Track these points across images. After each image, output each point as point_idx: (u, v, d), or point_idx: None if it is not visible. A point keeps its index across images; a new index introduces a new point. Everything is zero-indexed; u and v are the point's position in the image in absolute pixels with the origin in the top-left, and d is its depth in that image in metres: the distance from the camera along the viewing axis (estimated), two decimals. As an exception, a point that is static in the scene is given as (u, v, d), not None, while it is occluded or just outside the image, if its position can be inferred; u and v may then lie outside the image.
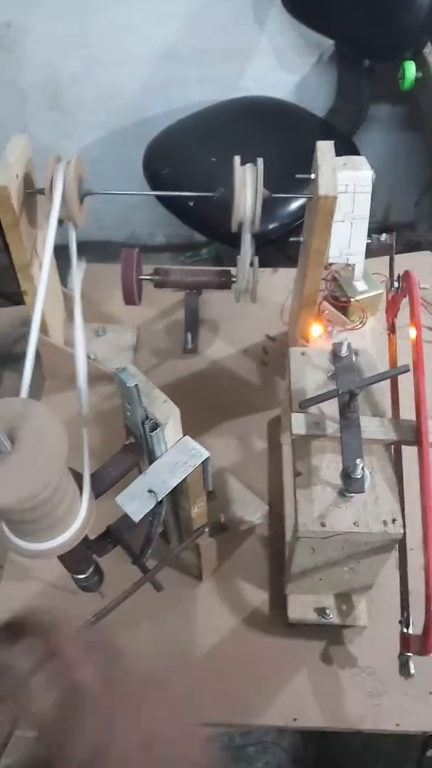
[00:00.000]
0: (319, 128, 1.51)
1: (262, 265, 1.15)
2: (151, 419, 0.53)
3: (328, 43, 1.56)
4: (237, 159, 0.73)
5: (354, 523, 0.62)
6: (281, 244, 1.45)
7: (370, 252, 0.87)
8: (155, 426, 0.54)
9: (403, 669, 0.62)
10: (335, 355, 0.70)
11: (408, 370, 0.63)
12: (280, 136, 1.41)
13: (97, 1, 1.50)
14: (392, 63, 1.34)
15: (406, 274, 0.75)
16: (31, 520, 0.46)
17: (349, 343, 0.70)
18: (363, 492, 0.61)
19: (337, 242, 0.76)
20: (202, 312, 1.07)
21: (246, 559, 0.83)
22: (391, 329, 0.84)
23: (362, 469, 0.60)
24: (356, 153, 1.45)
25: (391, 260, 0.85)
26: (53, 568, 0.78)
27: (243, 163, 0.73)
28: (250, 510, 0.84)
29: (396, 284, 0.76)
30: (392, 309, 0.84)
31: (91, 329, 1.01)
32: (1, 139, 1.65)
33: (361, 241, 0.75)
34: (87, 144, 1.81)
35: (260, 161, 0.73)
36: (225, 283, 0.99)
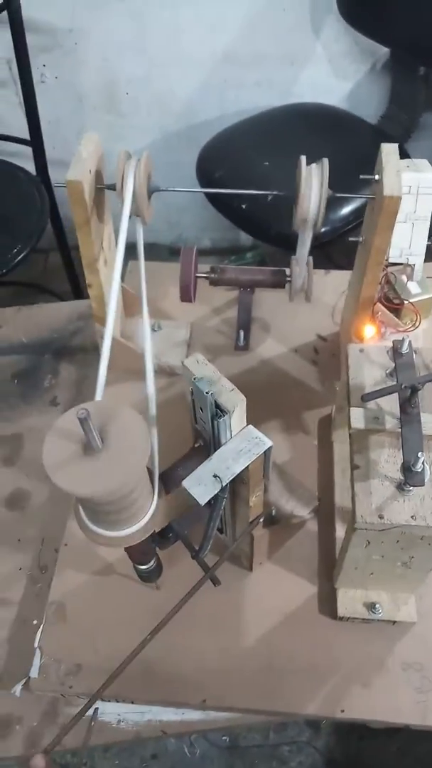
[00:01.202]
0: (371, 135, 1.52)
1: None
2: (221, 410, 0.55)
3: (382, 52, 1.58)
4: (303, 158, 0.75)
5: (411, 517, 0.63)
6: (328, 249, 1.46)
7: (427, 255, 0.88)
8: (223, 412, 0.55)
9: None
10: (396, 352, 0.71)
11: (470, 368, 0.64)
12: (333, 142, 1.43)
13: (155, 4, 1.53)
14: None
15: None
16: (112, 511, 0.49)
17: (410, 341, 0.71)
18: (423, 485, 0.62)
19: (398, 242, 0.77)
20: (254, 311, 1.09)
21: (295, 553, 0.84)
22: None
23: (423, 462, 0.61)
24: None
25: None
26: (109, 554, 0.82)
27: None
28: (301, 504, 0.86)
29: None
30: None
31: (148, 324, 1.04)
32: (59, 138, 1.71)
33: (422, 241, 0.77)
34: (140, 146, 1.85)
35: (326, 161, 0.75)
36: (279, 281, 1.01)
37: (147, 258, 1.07)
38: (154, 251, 2.14)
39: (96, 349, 1.07)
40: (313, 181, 0.73)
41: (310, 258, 1.04)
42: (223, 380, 0.59)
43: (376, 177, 0.74)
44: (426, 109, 1.61)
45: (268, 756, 1.31)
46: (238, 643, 0.78)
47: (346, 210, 1.31)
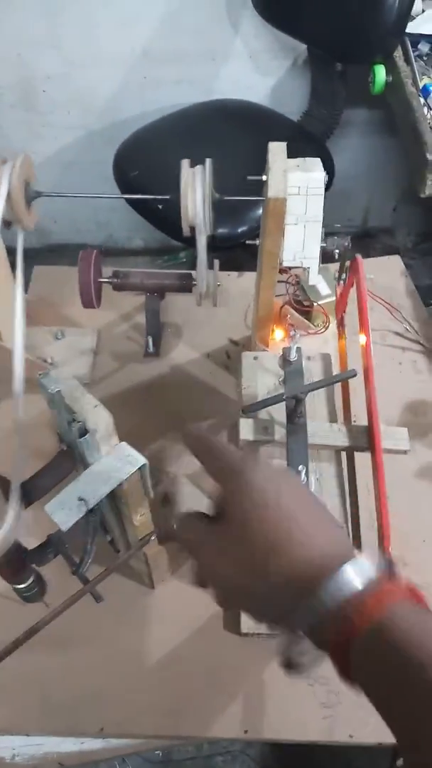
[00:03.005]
0: (293, 132, 1.50)
1: (232, 268, 1.13)
2: (80, 423, 0.52)
3: (303, 47, 1.56)
4: (185, 162, 0.72)
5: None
6: (252, 248, 1.44)
7: (327, 256, 0.86)
8: (84, 431, 0.52)
9: None
10: (285, 360, 0.68)
11: (355, 375, 0.62)
12: (253, 140, 1.39)
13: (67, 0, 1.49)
14: (364, 66, 1.34)
15: (354, 259, 0.73)
16: None
17: (298, 347, 0.69)
18: (306, 499, 0.60)
19: (291, 245, 0.74)
20: (166, 315, 1.06)
21: (201, 567, 0.81)
22: (340, 323, 0.82)
23: (306, 475, 0.59)
24: (329, 157, 1.45)
25: (342, 261, 0.84)
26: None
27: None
28: (207, 517, 0.83)
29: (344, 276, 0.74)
30: (340, 304, 0.82)
31: (49, 332, 1.00)
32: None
33: (315, 244, 0.74)
34: (61, 146, 1.80)
35: (209, 162, 0.72)
36: (186, 286, 0.97)
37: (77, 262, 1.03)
38: (85, 253, 2.09)
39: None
40: (197, 185, 0.70)
41: (216, 261, 1.01)
42: (86, 397, 0.56)
43: (264, 178, 0.71)
44: (348, 106, 1.60)
45: (202, 767, 1.28)
46: (139, 666, 0.75)
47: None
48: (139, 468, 0.56)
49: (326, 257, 0.89)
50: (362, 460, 0.71)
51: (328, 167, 1.42)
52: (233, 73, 1.64)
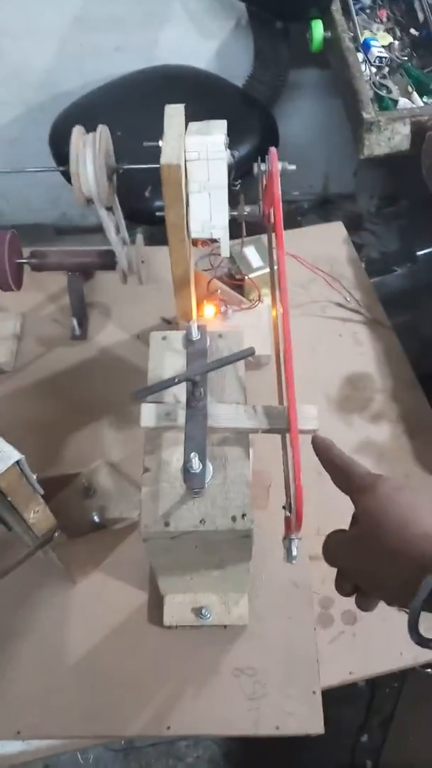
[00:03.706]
0: (235, 96, 1.44)
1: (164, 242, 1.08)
2: None
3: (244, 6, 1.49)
4: (77, 129, 0.67)
5: (201, 521, 0.57)
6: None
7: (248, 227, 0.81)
8: None
9: (288, 555, 0.57)
10: (187, 340, 0.64)
11: (252, 353, 0.58)
12: (195, 107, 1.33)
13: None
14: (306, 24, 1.27)
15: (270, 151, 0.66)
16: None
17: (201, 326, 0.64)
18: (203, 488, 0.56)
19: (197, 215, 0.69)
20: (94, 295, 1.01)
21: (126, 558, 0.78)
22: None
23: (200, 462, 0.55)
24: (272, 122, 1.39)
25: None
26: None
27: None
28: (130, 506, 0.79)
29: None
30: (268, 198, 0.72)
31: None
32: None
33: (223, 213, 0.69)
34: (3, 122, 1.72)
35: (102, 128, 0.67)
36: (109, 263, 0.93)
37: (30, 242, 0.97)
38: (40, 232, 2.03)
39: None
40: (87, 154, 0.65)
41: (139, 236, 0.96)
42: None
43: (160, 143, 0.66)
44: (294, 67, 1.53)
45: (164, 754, 1.26)
46: (58, 664, 0.72)
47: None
48: (16, 463, 0.52)
49: (248, 228, 0.84)
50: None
51: (271, 133, 1.36)
52: (174, 38, 1.56)
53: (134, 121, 1.27)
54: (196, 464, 0.55)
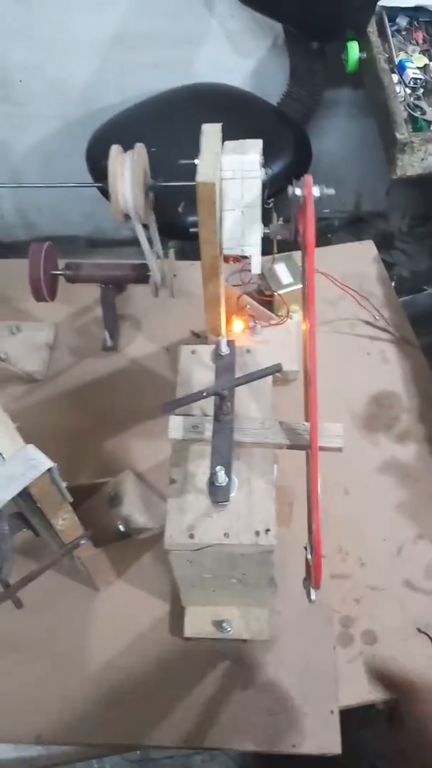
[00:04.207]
0: (271, 115, 1.46)
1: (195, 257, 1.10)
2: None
3: (281, 27, 1.51)
4: (115, 148, 0.69)
5: (224, 534, 0.58)
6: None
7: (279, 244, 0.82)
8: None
9: (307, 595, 0.57)
10: (216, 354, 0.65)
11: (280, 369, 0.59)
12: (231, 125, 1.35)
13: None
14: (341, 45, 1.28)
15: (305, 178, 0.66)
16: None
17: (231, 341, 0.66)
18: (227, 501, 0.57)
19: (230, 233, 0.70)
20: (125, 308, 1.03)
21: (149, 569, 0.79)
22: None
23: (225, 475, 0.56)
24: (306, 140, 1.40)
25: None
26: None
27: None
28: (155, 517, 0.80)
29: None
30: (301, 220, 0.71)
31: (5, 327, 0.97)
32: None
33: (256, 230, 0.70)
34: (42, 136, 1.77)
35: (140, 146, 0.69)
36: (142, 277, 0.94)
37: (66, 254, 1.00)
38: (72, 244, 2.06)
39: None
40: (125, 171, 0.67)
41: (171, 250, 0.98)
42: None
43: (196, 161, 0.67)
44: (329, 86, 1.54)
45: (180, 767, 1.26)
46: (80, 672, 0.73)
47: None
48: (48, 471, 0.54)
49: (279, 245, 0.85)
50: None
51: (304, 151, 1.38)
52: (211, 56, 1.59)
53: (170, 138, 1.29)
54: (221, 477, 0.56)
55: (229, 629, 0.72)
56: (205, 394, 0.58)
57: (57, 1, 1.47)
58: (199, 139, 0.69)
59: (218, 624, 0.72)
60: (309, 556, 0.56)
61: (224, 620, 0.72)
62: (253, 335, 0.96)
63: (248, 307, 0.95)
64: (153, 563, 0.79)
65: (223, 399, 0.59)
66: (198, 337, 1.01)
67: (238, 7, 1.47)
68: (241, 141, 0.72)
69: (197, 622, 0.73)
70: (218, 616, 0.73)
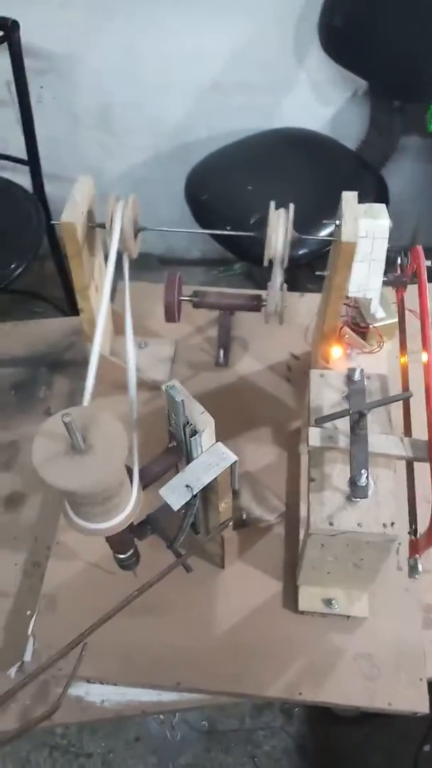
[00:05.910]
0: (350, 160, 1.62)
1: (290, 284, 1.26)
2: (192, 426, 0.65)
3: (363, 80, 1.67)
4: (272, 204, 0.85)
5: (358, 524, 0.73)
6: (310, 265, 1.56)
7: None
8: (194, 432, 0.65)
9: (413, 571, 0.71)
10: (349, 379, 0.80)
11: (411, 396, 0.74)
12: (314, 167, 1.52)
13: (146, 36, 1.63)
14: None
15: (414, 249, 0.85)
16: (94, 504, 0.57)
17: (361, 369, 0.81)
18: (366, 498, 0.72)
19: (357, 279, 0.86)
20: (235, 330, 1.19)
21: (263, 553, 0.94)
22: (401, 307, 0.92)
23: (366, 478, 0.71)
24: (384, 187, 1.56)
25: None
26: (96, 551, 0.91)
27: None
28: (269, 510, 0.95)
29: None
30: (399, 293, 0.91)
31: (135, 342, 1.13)
32: (55, 155, 1.80)
33: (378, 279, 0.86)
34: (133, 164, 1.94)
35: (292, 207, 0.84)
36: (256, 306, 1.10)
37: (140, 268, 1.16)
38: (146, 260, 2.22)
39: (87, 364, 1.16)
40: (280, 226, 0.83)
41: (285, 285, 1.13)
42: (195, 405, 0.69)
43: (337, 222, 0.83)
44: (403, 134, 1.70)
45: (243, 740, 1.41)
46: (208, 633, 0.87)
47: (323, 233, 1.40)
48: (231, 464, 0.69)
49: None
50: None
51: (383, 196, 1.53)
52: (295, 102, 1.75)
53: (260, 177, 1.46)
54: (363, 480, 0.71)
55: (336, 606, 0.87)
56: (351, 411, 0.73)
57: (160, 50, 1.64)
58: (340, 206, 0.85)
59: (327, 601, 0.87)
60: (414, 537, 0.71)
61: (332, 599, 0.87)
62: (348, 361, 1.11)
63: (347, 336, 1.10)
64: (267, 549, 0.94)
65: (362, 416, 0.74)
66: (297, 359, 1.16)
67: (325, 61, 1.64)
68: (369, 205, 0.87)
69: (309, 599, 0.88)
70: (326, 595, 0.88)
